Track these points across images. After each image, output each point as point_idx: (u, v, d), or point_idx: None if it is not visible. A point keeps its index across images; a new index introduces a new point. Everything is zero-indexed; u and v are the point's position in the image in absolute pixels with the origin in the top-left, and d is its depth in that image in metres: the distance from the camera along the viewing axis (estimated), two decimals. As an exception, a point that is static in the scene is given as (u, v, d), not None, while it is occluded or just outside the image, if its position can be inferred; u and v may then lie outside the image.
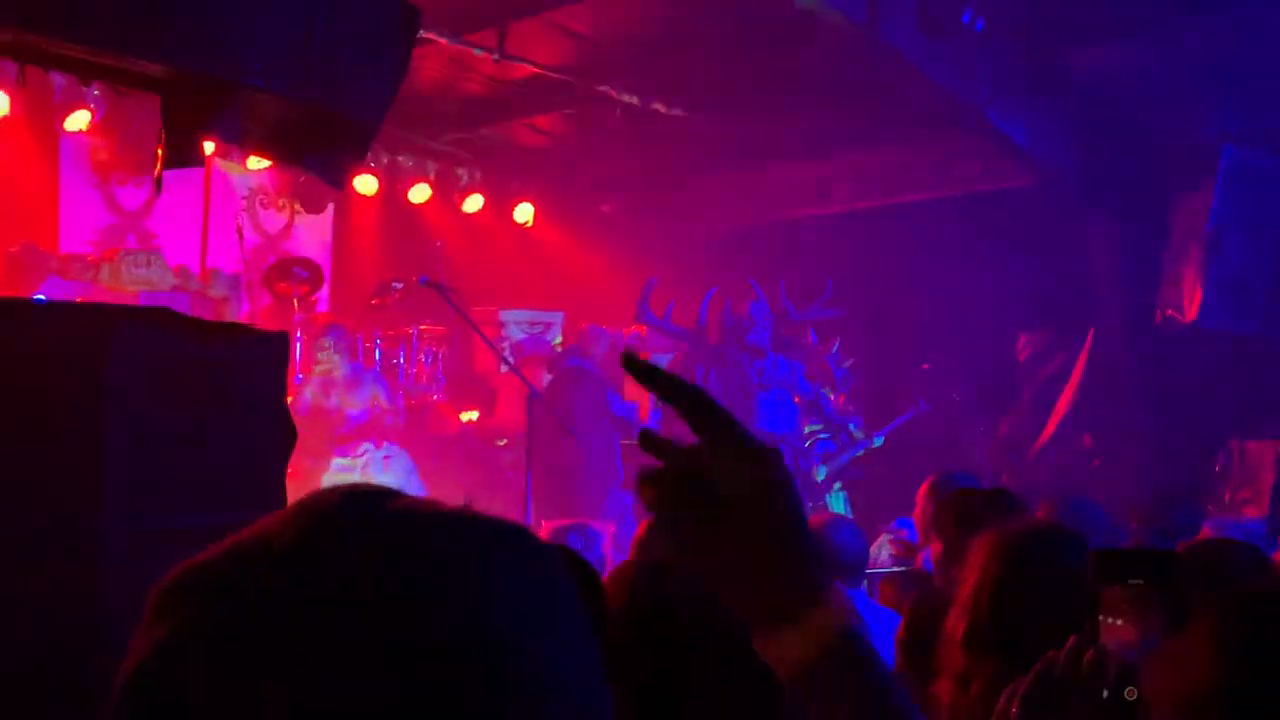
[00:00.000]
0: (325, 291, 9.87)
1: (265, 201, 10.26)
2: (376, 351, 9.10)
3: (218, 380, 3.56)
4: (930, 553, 3.65)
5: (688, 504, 0.91)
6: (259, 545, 0.64)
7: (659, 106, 9.58)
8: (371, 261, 10.56)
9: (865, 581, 3.93)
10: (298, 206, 10.38)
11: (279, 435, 3.69)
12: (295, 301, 8.98)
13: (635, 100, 9.43)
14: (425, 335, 9.45)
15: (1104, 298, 9.00)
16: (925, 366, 9.56)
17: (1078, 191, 8.89)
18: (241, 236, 8.79)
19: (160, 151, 3.93)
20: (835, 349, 9.38)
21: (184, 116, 3.88)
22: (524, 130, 10.61)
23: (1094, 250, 9.01)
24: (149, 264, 7.93)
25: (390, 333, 9.33)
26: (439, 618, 0.61)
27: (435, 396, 9.23)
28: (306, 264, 9.19)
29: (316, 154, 4.23)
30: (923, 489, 4.14)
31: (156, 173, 3.91)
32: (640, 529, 3.65)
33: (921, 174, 9.67)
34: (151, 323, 3.46)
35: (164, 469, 3.45)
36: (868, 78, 8.26)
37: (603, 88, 9.26)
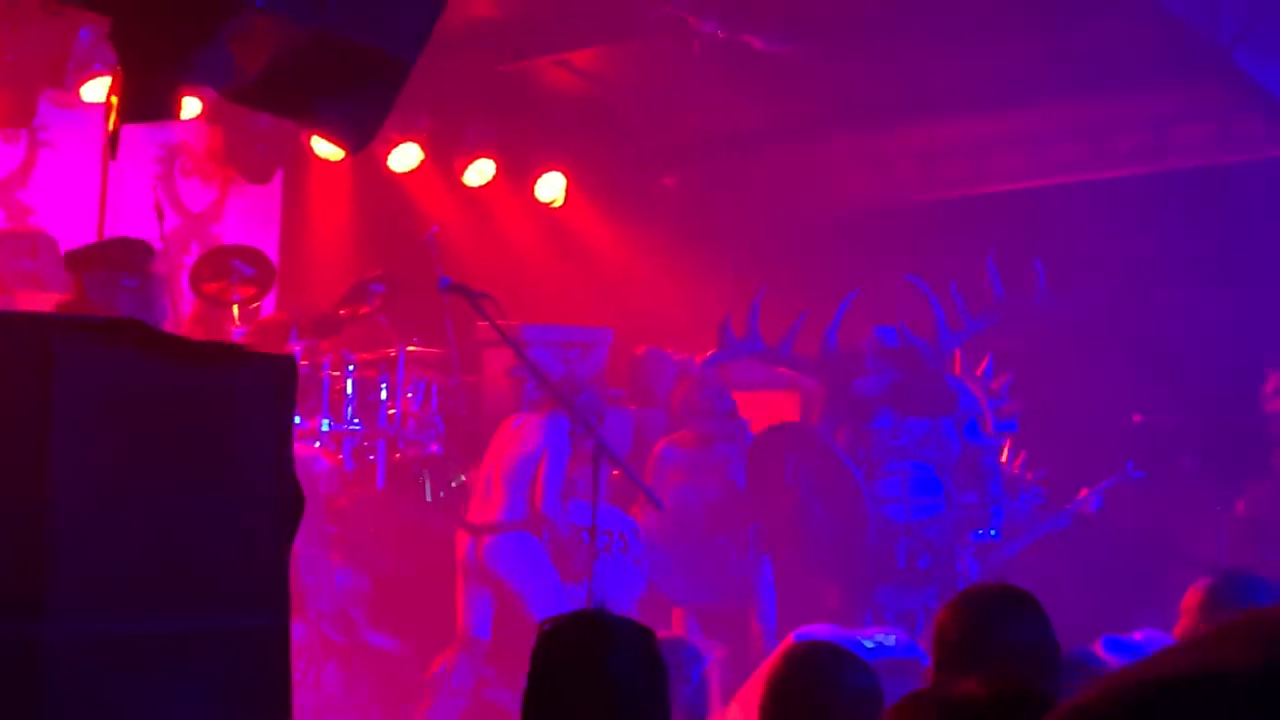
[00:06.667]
0: (271, 294, 9.92)
1: (189, 167, 10.33)
2: (348, 382, 9.10)
3: (202, 424, 3.57)
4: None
5: None
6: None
7: (753, 40, 9.61)
8: (337, 253, 10.61)
9: None
10: (233, 175, 10.44)
11: (282, 502, 3.69)
12: (235, 309, 9.02)
13: (719, 30, 9.46)
14: (416, 360, 9.46)
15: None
16: (1137, 418, 9.48)
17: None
18: (161, 216, 8.85)
19: (113, 100, 3.92)
20: (987, 371, 9.21)
21: (149, 49, 3.87)
22: (555, 70, 10.64)
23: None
24: (34, 252, 7.97)
25: (367, 357, 9.34)
26: None
27: (432, 448, 9.23)
28: (250, 255, 9.23)
29: (332, 104, 4.23)
30: (1195, 599, 4.19)
31: (110, 129, 3.90)
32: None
33: (1135, 138, 9.66)
34: (110, 340, 3.47)
35: (127, 553, 3.45)
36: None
37: (674, 11, 9.30)
